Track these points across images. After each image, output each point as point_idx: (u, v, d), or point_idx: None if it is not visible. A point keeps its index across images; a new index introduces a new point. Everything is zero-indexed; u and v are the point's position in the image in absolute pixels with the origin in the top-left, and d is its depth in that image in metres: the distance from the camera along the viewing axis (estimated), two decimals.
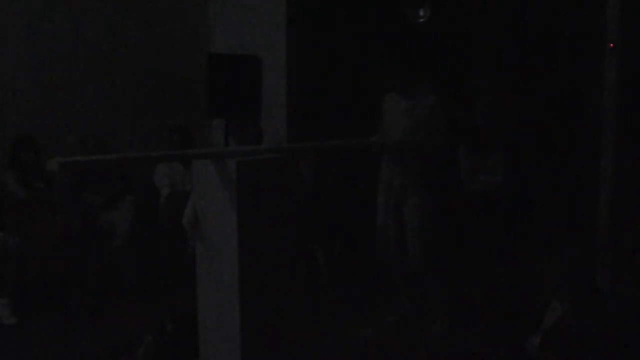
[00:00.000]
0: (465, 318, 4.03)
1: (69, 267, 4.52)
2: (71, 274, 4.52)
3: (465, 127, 5.28)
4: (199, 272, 2.88)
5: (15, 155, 4.46)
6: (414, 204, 3.72)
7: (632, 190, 4.06)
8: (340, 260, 5.02)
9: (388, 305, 4.15)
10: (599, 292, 2.70)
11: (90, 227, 4.73)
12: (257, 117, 5.56)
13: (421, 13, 5.75)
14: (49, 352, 3.65)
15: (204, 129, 5.97)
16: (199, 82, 5.57)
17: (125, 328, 3.82)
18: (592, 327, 2.55)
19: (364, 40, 5.81)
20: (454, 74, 6.25)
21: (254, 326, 2.77)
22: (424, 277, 3.85)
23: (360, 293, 4.63)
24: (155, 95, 5.68)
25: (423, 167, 3.73)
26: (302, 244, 4.79)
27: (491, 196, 5.06)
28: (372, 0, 5.73)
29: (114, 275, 4.75)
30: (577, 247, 2.96)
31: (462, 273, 4.65)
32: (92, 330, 3.93)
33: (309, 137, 5.17)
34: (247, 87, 5.55)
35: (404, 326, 3.97)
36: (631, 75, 3.99)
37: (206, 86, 5.35)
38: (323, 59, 5.76)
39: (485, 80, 6.38)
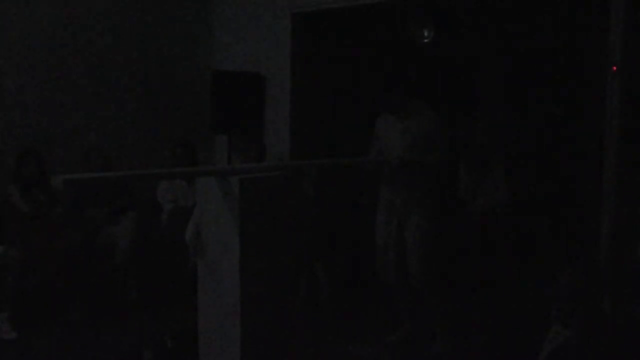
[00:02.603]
0: (466, 338, 4.02)
1: (70, 282, 4.51)
2: (72, 288, 4.50)
3: (466, 145, 5.30)
4: (200, 288, 2.88)
5: (20, 169, 4.47)
6: (416, 223, 3.71)
7: (635, 212, 4.06)
8: (341, 277, 5.01)
9: (388, 324, 4.13)
10: (602, 316, 2.69)
11: (92, 242, 4.73)
12: (260, 134, 5.59)
13: (426, 34, 5.80)
14: None
15: (207, 144, 5.99)
16: (203, 98, 5.61)
17: (125, 343, 3.81)
18: (596, 352, 2.54)
19: (367, 59, 5.85)
20: (456, 93, 6.29)
21: (255, 342, 2.77)
22: (425, 297, 3.84)
23: (360, 311, 4.62)
24: (160, 110, 5.71)
25: (424, 185, 3.73)
26: (303, 261, 4.79)
27: (492, 216, 5.07)
28: (376, 19, 5.78)
29: (114, 290, 4.74)
30: (581, 270, 2.95)
31: (463, 293, 4.64)
32: (92, 346, 3.91)
33: (312, 154, 5.19)
34: (251, 104, 5.60)
35: (404, 345, 3.96)
36: (634, 98, 4.00)
37: (210, 102, 5.40)
38: (326, 77, 5.80)
39: (487, 98, 6.42)
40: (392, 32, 5.97)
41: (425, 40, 5.86)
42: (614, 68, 4.00)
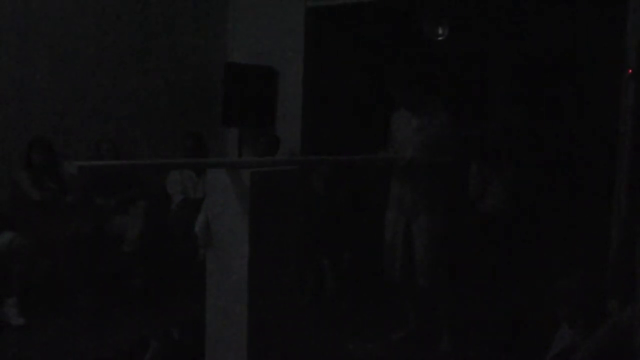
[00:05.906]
0: (472, 337, 4.01)
1: (78, 270, 4.53)
2: (80, 276, 4.52)
3: (478, 146, 5.28)
4: (208, 279, 2.89)
5: (30, 156, 4.49)
6: (424, 221, 3.70)
7: None
8: (347, 274, 5.00)
9: (394, 322, 4.13)
10: (610, 317, 2.68)
11: (101, 231, 4.74)
12: (271, 128, 5.59)
13: (440, 31, 5.78)
14: (55, 354, 3.66)
15: (218, 137, 5.99)
16: (215, 91, 5.61)
17: (132, 333, 3.81)
18: (603, 353, 2.52)
19: (381, 54, 5.83)
20: (469, 92, 6.26)
21: (261, 335, 2.77)
22: (431, 295, 3.83)
23: (366, 308, 4.61)
24: (171, 102, 5.72)
25: (434, 185, 3.72)
26: (310, 256, 4.78)
27: (500, 216, 5.05)
28: (390, 16, 5.76)
29: (122, 279, 4.76)
30: (590, 270, 2.94)
31: (470, 291, 4.63)
32: (99, 334, 3.93)
33: (323, 149, 5.19)
34: (263, 98, 5.60)
35: (410, 343, 3.95)
36: None
37: (222, 95, 5.39)
38: (339, 72, 5.79)
39: (499, 98, 6.39)
40: (406, 28, 5.94)
41: (440, 38, 5.84)
42: (630, 70, 3.96)
